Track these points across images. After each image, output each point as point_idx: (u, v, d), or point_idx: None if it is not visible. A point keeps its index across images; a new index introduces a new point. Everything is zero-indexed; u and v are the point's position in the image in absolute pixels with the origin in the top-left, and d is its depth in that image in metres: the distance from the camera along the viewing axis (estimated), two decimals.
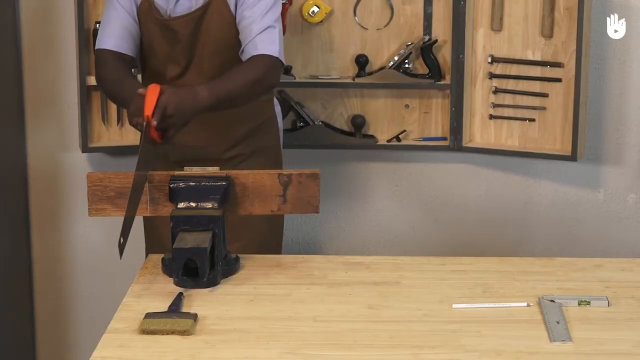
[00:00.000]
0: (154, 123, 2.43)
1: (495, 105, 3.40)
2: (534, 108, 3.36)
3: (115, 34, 2.82)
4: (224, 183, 2.33)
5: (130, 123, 2.53)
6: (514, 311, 2.14)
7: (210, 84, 2.65)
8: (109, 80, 2.81)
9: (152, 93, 2.46)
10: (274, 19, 2.77)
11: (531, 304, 2.16)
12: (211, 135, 2.89)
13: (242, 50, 2.77)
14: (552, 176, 3.48)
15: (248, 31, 2.75)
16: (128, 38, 2.83)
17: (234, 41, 2.81)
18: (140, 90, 2.50)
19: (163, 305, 2.13)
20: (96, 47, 2.88)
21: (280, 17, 2.81)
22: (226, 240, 2.32)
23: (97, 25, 3.16)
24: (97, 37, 2.87)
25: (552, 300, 2.17)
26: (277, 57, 2.73)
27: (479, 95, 3.41)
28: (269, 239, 2.99)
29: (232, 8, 2.79)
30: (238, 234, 2.75)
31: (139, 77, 3.20)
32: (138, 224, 3.12)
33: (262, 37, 2.74)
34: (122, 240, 2.27)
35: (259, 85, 2.72)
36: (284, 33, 2.97)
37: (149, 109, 2.42)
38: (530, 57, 3.35)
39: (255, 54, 2.72)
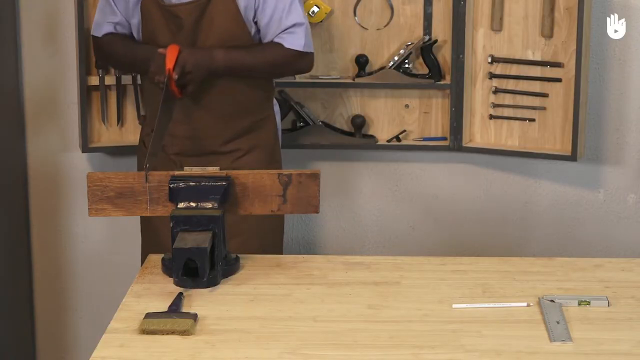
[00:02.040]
0: (175, 77, 2.71)
1: (495, 105, 3.40)
2: (534, 108, 3.36)
3: (113, 20, 2.96)
4: (224, 183, 2.33)
5: (152, 81, 2.79)
6: (514, 311, 2.14)
7: (229, 49, 2.84)
8: (121, 53, 2.97)
9: (172, 51, 2.75)
10: (300, 15, 2.88)
11: (531, 304, 2.16)
12: (210, 126, 2.91)
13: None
14: (552, 176, 3.48)
15: (275, 27, 2.87)
16: (126, 24, 2.96)
17: (239, 34, 2.84)
18: (161, 50, 2.77)
19: (163, 305, 2.13)
20: (96, 35, 2.95)
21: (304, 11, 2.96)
22: (226, 240, 2.32)
23: None
24: (94, 25, 3.01)
25: (552, 300, 2.17)
26: (301, 51, 2.89)
27: (479, 95, 3.41)
28: (269, 234, 2.99)
29: (241, 4, 2.82)
30: (237, 229, 2.76)
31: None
32: (138, 224, 3.12)
33: (288, 33, 2.88)
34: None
35: (277, 69, 2.95)
36: None
37: (170, 64, 2.72)
38: (530, 57, 3.35)
39: (282, 44, 2.89)
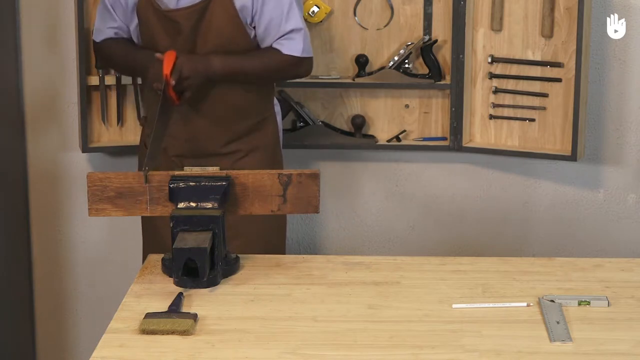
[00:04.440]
0: (173, 82, 2.71)
1: (495, 105, 3.40)
2: (534, 108, 3.36)
3: (113, 26, 2.96)
4: (224, 183, 2.33)
5: (150, 87, 2.80)
6: (514, 311, 2.14)
7: (225, 56, 2.84)
8: (120, 58, 2.98)
9: (169, 57, 2.74)
10: (298, 20, 2.88)
11: (531, 304, 2.16)
12: (211, 128, 2.92)
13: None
14: (552, 176, 3.48)
15: (274, 34, 2.87)
16: (125, 30, 2.96)
17: (237, 38, 2.84)
18: (158, 55, 2.77)
19: (163, 305, 2.13)
20: (96, 40, 2.96)
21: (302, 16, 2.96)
22: (226, 240, 2.32)
23: None
24: (95, 31, 3.02)
25: (552, 300, 2.17)
26: (299, 56, 2.89)
27: (479, 95, 3.41)
28: (272, 236, 3.00)
29: (241, 5, 2.81)
30: (240, 231, 2.76)
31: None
32: (138, 224, 3.12)
33: (286, 39, 2.88)
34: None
35: (275, 74, 2.95)
36: None
37: (167, 70, 2.72)
38: (530, 57, 3.35)
39: (280, 50, 2.89)
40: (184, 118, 2.89)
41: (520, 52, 3.35)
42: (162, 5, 2.85)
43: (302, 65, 2.93)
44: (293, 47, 2.88)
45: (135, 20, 2.90)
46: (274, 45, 2.88)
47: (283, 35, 2.87)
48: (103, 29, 2.97)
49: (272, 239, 3.00)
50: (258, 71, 2.89)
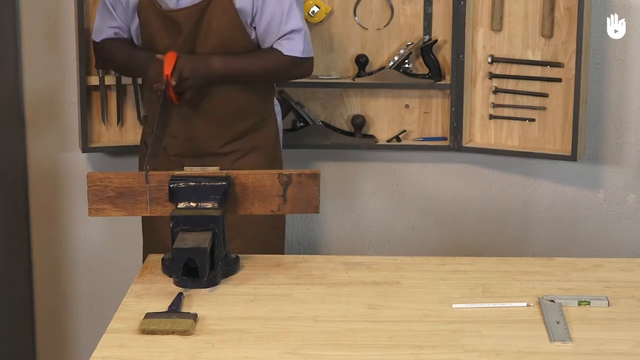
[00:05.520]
0: (173, 83, 2.71)
1: (495, 105, 3.40)
2: (534, 108, 3.36)
3: (113, 25, 2.96)
4: (224, 183, 2.33)
5: (150, 88, 2.79)
6: (514, 311, 2.14)
7: (225, 57, 2.84)
8: (119, 59, 2.98)
9: (169, 58, 2.75)
10: (299, 20, 2.87)
11: (531, 304, 2.16)
12: (211, 128, 2.92)
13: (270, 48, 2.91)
14: (552, 176, 3.48)
15: (274, 34, 2.87)
16: (126, 29, 2.96)
17: (237, 38, 2.84)
18: (159, 56, 2.78)
19: (163, 305, 2.13)
20: (96, 40, 2.96)
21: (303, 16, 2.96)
22: (226, 240, 2.32)
23: None
24: (94, 31, 3.02)
25: (552, 300, 2.17)
26: (300, 57, 2.89)
27: (479, 95, 3.41)
28: (271, 236, 3.00)
29: (241, 6, 2.81)
30: (239, 231, 2.76)
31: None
32: (138, 224, 3.12)
33: (286, 39, 2.87)
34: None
35: (276, 75, 2.95)
36: None
37: (167, 71, 2.72)
38: (530, 57, 3.35)
39: (280, 50, 2.89)
40: (184, 118, 2.89)
41: (520, 52, 3.35)
42: (163, 5, 2.85)
43: (302, 65, 2.93)
44: (293, 48, 2.88)
45: (136, 20, 2.90)
46: (275, 46, 2.88)
47: (283, 36, 2.87)
48: (103, 29, 2.97)
49: (272, 238, 3.01)
50: (258, 72, 2.89)
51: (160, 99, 2.70)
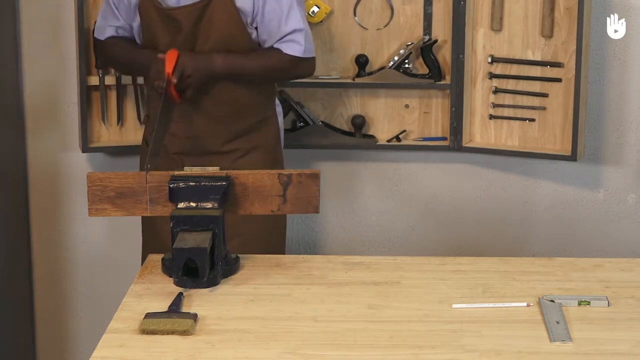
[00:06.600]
0: (174, 81, 2.72)
1: (495, 105, 3.40)
2: (534, 108, 3.36)
3: (115, 24, 2.97)
4: (224, 183, 2.33)
5: (151, 86, 2.81)
6: (514, 311, 2.14)
7: (227, 54, 2.85)
8: (120, 57, 2.99)
9: (171, 56, 2.76)
10: (300, 20, 2.86)
11: (531, 304, 2.16)
12: (211, 127, 2.92)
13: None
14: (552, 176, 3.48)
15: (275, 34, 2.87)
16: (128, 28, 2.97)
17: (237, 37, 2.85)
18: (160, 55, 2.78)
19: (163, 305, 2.13)
20: (99, 38, 2.97)
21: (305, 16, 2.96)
22: (226, 240, 2.32)
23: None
24: (96, 29, 3.02)
25: (552, 300, 2.17)
26: (301, 57, 2.89)
27: (479, 95, 3.41)
28: (271, 236, 3.00)
29: (241, 6, 2.81)
30: (239, 230, 2.76)
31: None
32: (138, 224, 3.12)
33: (287, 39, 2.88)
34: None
35: (277, 74, 2.96)
36: None
37: (169, 69, 2.73)
38: (530, 57, 3.35)
39: (281, 50, 2.89)
40: (185, 116, 2.89)
41: (520, 52, 3.35)
42: (163, 4, 2.86)
43: (303, 65, 2.93)
44: (294, 48, 2.88)
45: (138, 19, 2.90)
46: (276, 46, 2.88)
47: (285, 36, 2.87)
48: (105, 27, 2.98)
49: (272, 238, 3.00)
50: (259, 71, 2.89)
51: (161, 97, 2.71)
